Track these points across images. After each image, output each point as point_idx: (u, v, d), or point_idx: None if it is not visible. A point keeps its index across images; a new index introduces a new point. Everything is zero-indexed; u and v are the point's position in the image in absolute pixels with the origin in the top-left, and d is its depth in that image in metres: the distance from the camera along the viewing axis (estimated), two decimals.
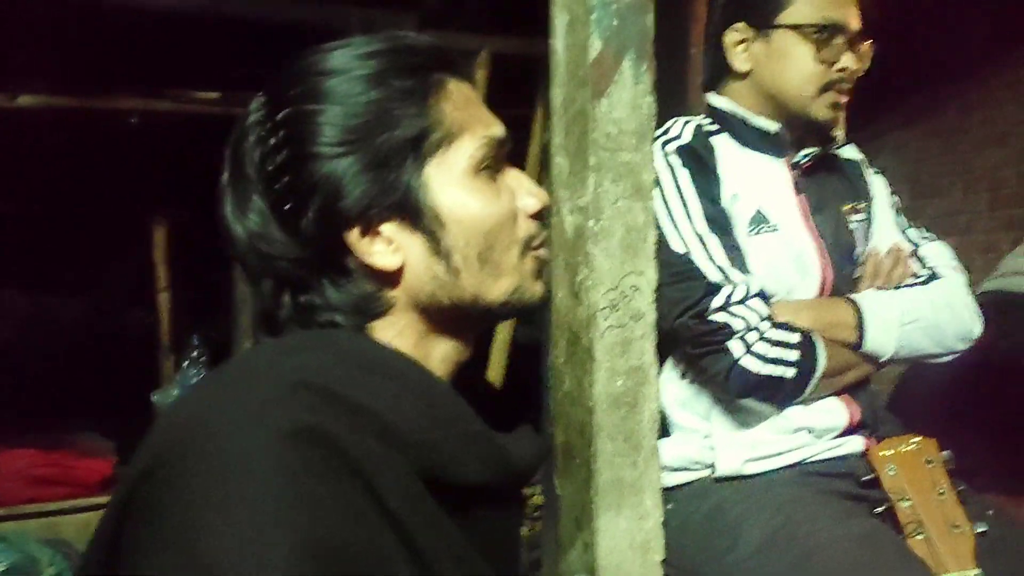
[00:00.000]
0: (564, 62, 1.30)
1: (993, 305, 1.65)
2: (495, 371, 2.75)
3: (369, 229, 0.75)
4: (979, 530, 1.12)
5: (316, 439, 0.62)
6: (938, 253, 1.39)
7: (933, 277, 1.34)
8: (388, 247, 0.76)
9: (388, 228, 0.75)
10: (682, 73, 2.14)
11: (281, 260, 0.75)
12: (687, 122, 1.37)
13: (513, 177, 0.82)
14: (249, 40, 2.63)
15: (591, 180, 1.24)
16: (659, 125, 1.33)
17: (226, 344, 3.38)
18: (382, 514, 0.64)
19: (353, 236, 0.75)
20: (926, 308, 1.29)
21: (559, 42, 1.31)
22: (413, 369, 0.75)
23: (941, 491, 1.16)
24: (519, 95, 2.78)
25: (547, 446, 0.87)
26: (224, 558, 0.57)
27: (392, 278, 0.77)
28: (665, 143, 1.33)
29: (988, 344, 1.59)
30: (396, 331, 0.78)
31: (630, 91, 1.26)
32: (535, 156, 2.76)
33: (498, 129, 0.80)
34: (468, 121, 0.78)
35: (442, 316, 0.79)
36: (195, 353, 3.26)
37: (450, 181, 0.76)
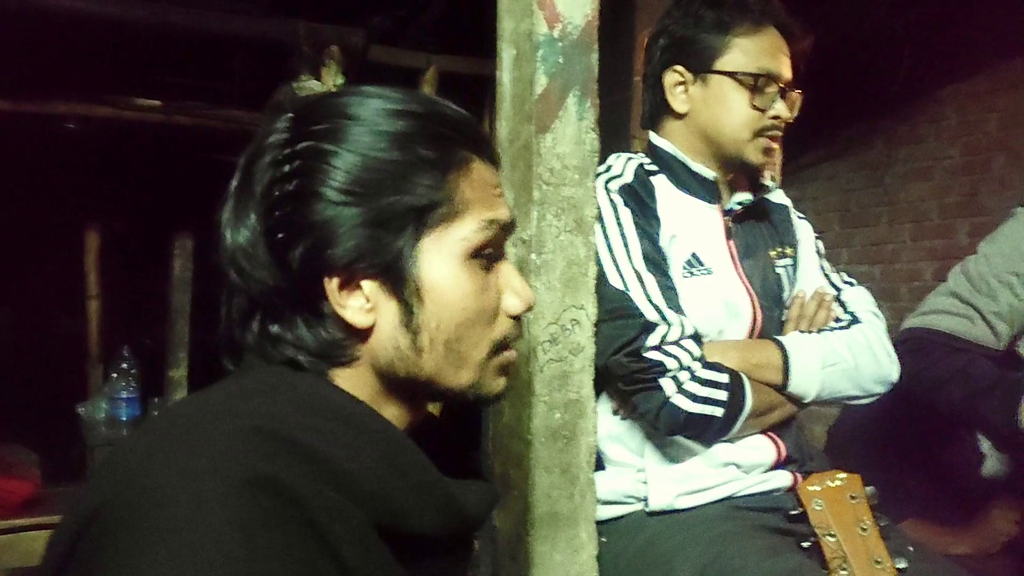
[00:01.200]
0: (510, 96, 1.31)
1: (917, 342, 1.70)
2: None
3: (350, 282, 0.74)
4: (900, 566, 1.15)
5: (271, 489, 0.61)
6: (859, 298, 1.43)
7: (854, 322, 1.38)
8: (364, 304, 0.75)
9: (369, 286, 0.74)
10: (625, 104, 2.16)
11: (260, 284, 0.74)
12: (629, 159, 1.39)
13: (505, 272, 0.81)
14: (194, 50, 2.58)
15: (535, 214, 1.24)
16: (601, 157, 1.34)
17: (158, 355, 3.29)
18: (336, 565, 0.64)
19: (332, 284, 0.74)
20: (846, 352, 1.32)
21: (505, 75, 1.31)
22: (372, 418, 0.73)
23: (864, 526, 1.18)
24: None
25: (496, 495, 0.86)
26: None
27: (360, 335, 0.76)
28: (608, 180, 1.34)
29: (912, 379, 1.65)
30: (353, 384, 0.76)
31: (574, 127, 1.27)
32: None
33: (504, 213, 0.79)
34: (477, 203, 0.77)
35: (396, 384, 0.78)
36: (125, 364, 3.16)
37: (442, 259, 0.75)
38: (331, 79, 2.55)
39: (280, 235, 0.73)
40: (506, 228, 0.80)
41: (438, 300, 0.75)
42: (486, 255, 0.78)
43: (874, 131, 3.89)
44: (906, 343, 1.70)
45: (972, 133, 3.59)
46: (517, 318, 0.81)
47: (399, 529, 0.70)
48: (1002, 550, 1.79)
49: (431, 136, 0.75)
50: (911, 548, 1.20)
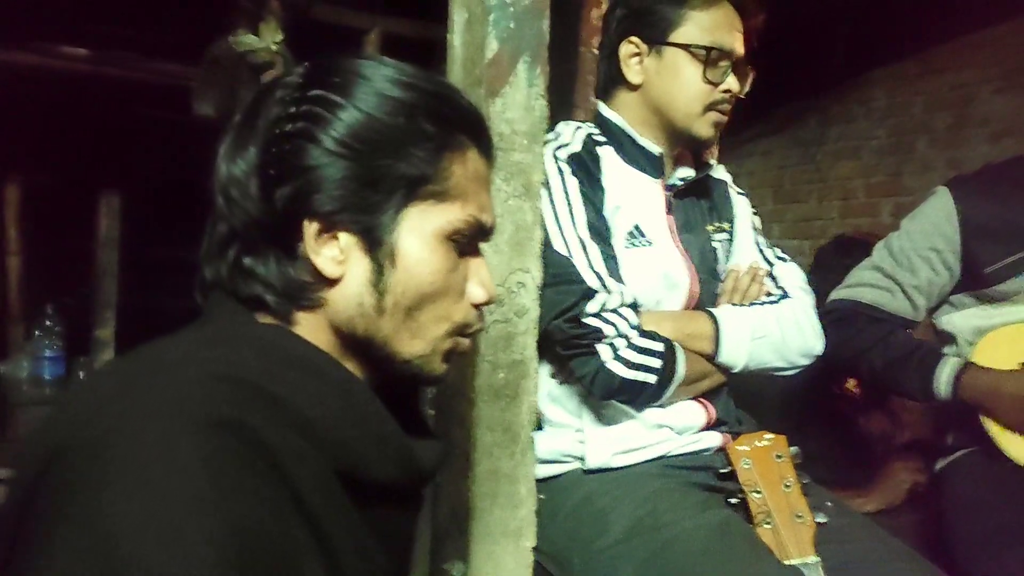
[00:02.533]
0: (460, 59, 1.32)
1: (841, 312, 1.79)
2: None
3: (329, 230, 0.76)
4: (819, 520, 1.22)
5: (235, 431, 0.62)
6: (790, 274, 1.50)
7: (784, 296, 1.44)
8: (337, 255, 0.77)
9: (345, 239, 0.77)
10: (572, 72, 2.19)
11: (244, 214, 0.77)
12: (577, 128, 1.42)
13: (476, 264, 0.84)
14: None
15: None
16: (550, 124, 1.37)
17: (83, 314, 3.22)
18: (297, 506, 0.66)
19: (311, 228, 0.76)
20: (775, 326, 1.39)
21: (456, 38, 1.32)
22: (333, 367, 0.76)
23: (788, 484, 1.25)
24: None
25: (445, 451, 0.90)
26: (140, 544, 0.56)
27: (328, 283, 0.78)
28: (557, 148, 1.37)
29: (837, 348, 1.73)
30: (313, 334, 0.79)
31: (524, 93, 1.29)
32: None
33: (489, 218, 0.83)
34: (468, 194, 0.81)
35: (353, 342, 0.80)
36: (48, 323, 3.09)
37: (420, 233, 0.78)
38: (270, 35, 2.51)
39: (272, 171, 0.76)
40: (487, 231, 0.84)
41: (410, 268, 0.78)
42: (462, 242, 0.81)
43: (809, 109, 4.00)
44: (831, 313, 1.79)
45: (899, 115, 3.73)
46: (478, 308, 0.84)
47: (358, 476, 0.73)
48: (908, 500, 1.91)
49: (435, 112, 0.78)
50: (829, 504, 1.28)
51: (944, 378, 1.62)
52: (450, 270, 0.80)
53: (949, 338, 1.76)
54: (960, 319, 1.74)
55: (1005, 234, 1.65)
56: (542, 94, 1.31)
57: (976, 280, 1.69)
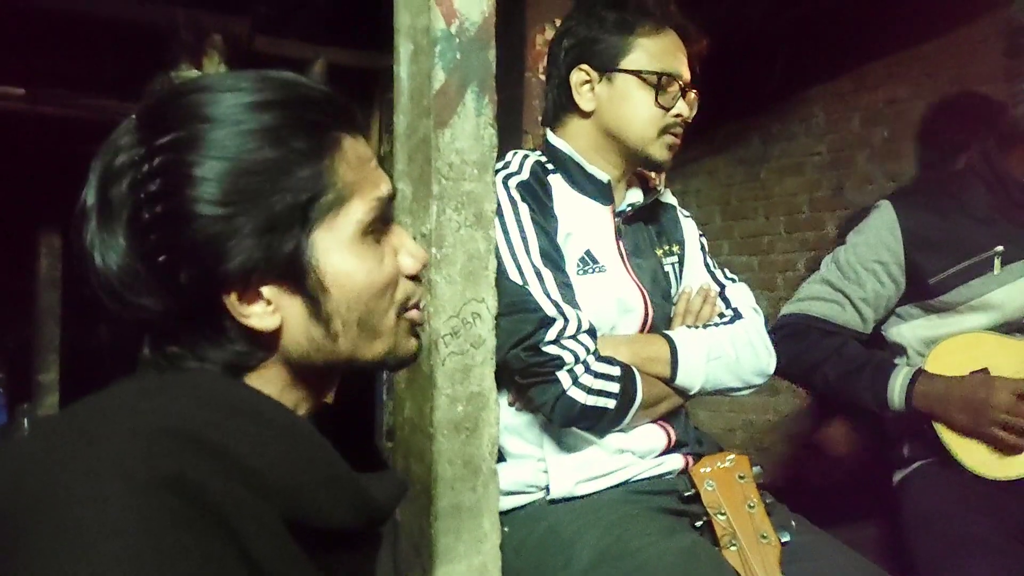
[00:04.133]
0: (408, 90, 1.31)
1: (793, 327, 1.80)
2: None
3: (248, 291, 0.72)
4: (784, 540, 1.22)
5: (176, 488, 0.59)
6: (741, 294, 1.51)
7: (736, 317, 1.45)
8: (267, 308, 0.73)
9: (268, 290, 0.73)
10: (518, 98, 2.19)
11: (147, 310, 0.71)
12: (526, 156, 1.42)
13: (396, 236, 0.81)
14: (64, 34, 2.45)
15: (434, 208, 1.25)
16: (498, 151, 1.36)
17: (25, 358, 3.12)
18: (244, 562, 0.63)
19: (231, 299, 0.71)
20: (729, 347, 1.39)
21: (403, 69, 1.31)
22: (279, 412, 0.73)
23: (751, 504, 1.25)
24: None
25: (405, 485, 0.87)
26: None
27: (268, 337, 0.74)
28: (507, 177, 1.37)
29: (790, 362, 1.75)
30: (262, 381, 0.76)
31: (472, 122, 1.28)
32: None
33: (386, 188, 0.79)
34: (360, 184, 0.76)
35: (312, 371, 0.78)
36: None
37: (337, 246, 0.74)
38: (213, 69, 2.47)
39: (162, 258, 0.69)
40: (391, 199, 0.80)
41: (343, 285, 0.75)
42: (377, 228, 0.78)
43: (751, 128, 4.06)
44: (784, 328, 1.80)
45: (838, 131, 3.80)
46: (415, 277, 0.82)
47: (310, 524, 0.70)
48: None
49: (300, 125, 0.72)
50: (793, 523, 1.28)
51: (897, 388, 1.64)
52: (379, 264, 0.77)
53: (899, 349, 1.78)
54: (908, 330, 1.77)
55: (947, 245, 1.68)
56: (491, 123, 1.30)
57: (921, 291, 1.72)
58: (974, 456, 1.59)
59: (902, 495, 1.70)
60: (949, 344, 1.67)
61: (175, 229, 0.69)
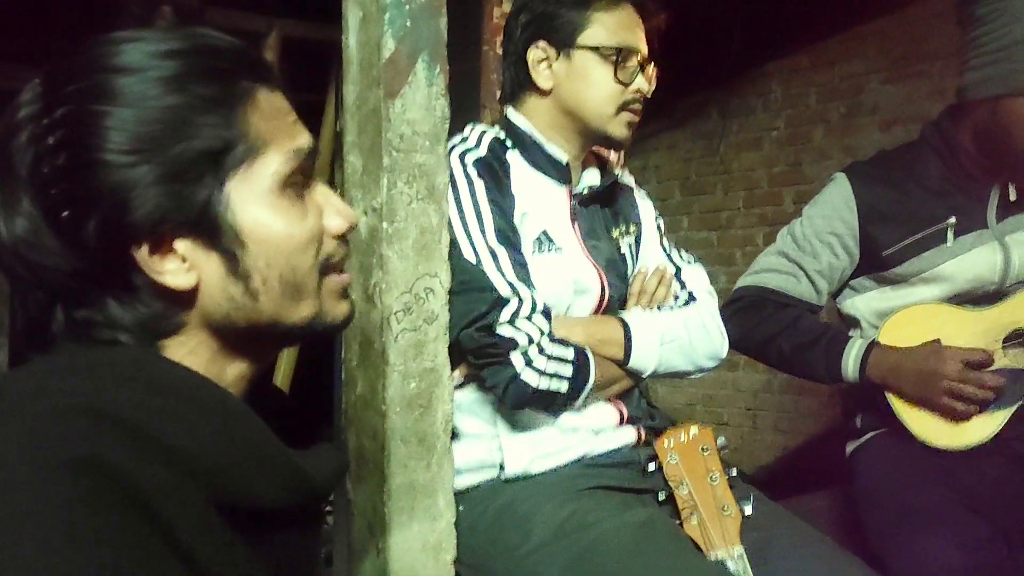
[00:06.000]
0: (357, 59, 1.26)
1: (749, 299, 1.79)
2: (283, 373, 2.65)
3: (160, 246, 0.68)
4: (746, 512, 1.21)
5: (92, 469, 0.56)
6: (696, 277, 1.50)
7: (691, 300, 1.44)
8: (181, 265, 0.69)
9: (182, 245, 0.69)
10: (475, 71, 2.15)
11: (55, 271, 0.67)
12: (484, 132, 1.39)
13: (320, 194, 0.77)
14: (7, 7, 2.36)
15: (385, 181, 1.21)
16: (452, 125, 1.33)
17: None
18: (170, 547, 0.59)
19: (141, 253, 0.68)
20: (683, 330, 1.38)
21: (351, 38, 1.27)
22: (206, 389, 0.69)
23: (714, 476, 1.24)
24: (311, 81, 2.69)
25: (345, 460, 0.83)
26: None
27: (184, 297, 0.70)
28: (464, 152, 1.33)
29: (745, 334, 1.74)
30: (187, 350, 0.72)
31: (424, 93, 1.24)
32: (328, 145, 2.67)
33: (305, 140, 0.75)
34: (275, 134, 0.72)
35: (237, 337, 0.74)
36: None
37: (253, 198, 0.71)
38: None
39: (65, 214, 0.66)
40: (311, 154, 0.76)
41: (261, 239, 0.71)
42: (297, 183, 0.74)
43: (710, 103, 4.05)
44: (739, 300, 1.79)
45: (795, 106, 3.81)
46: (343, 238, 0.79)
47: (241, 504, 0.67)
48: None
49: (206, 72, 0.69)
50: (752, 496, 1.27)
51: (851, 359, 1.64)
52: (300, 218, 0.74)
53: (852, 321, 1.78)
54: (862, 302, 1.76)
55: (900, 218, 1.68)
56: (443, 94, 1.26)
57: (875, 263, 1.71)
58: (925, 426, 1.59)
59: (854, 466, 1.71)
60: (902, 316, 1.67)
61: (78, 180, 0.66)
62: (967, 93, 1.60)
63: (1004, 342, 1.61)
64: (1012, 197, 1.65)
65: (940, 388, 1.54)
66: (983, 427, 1.57)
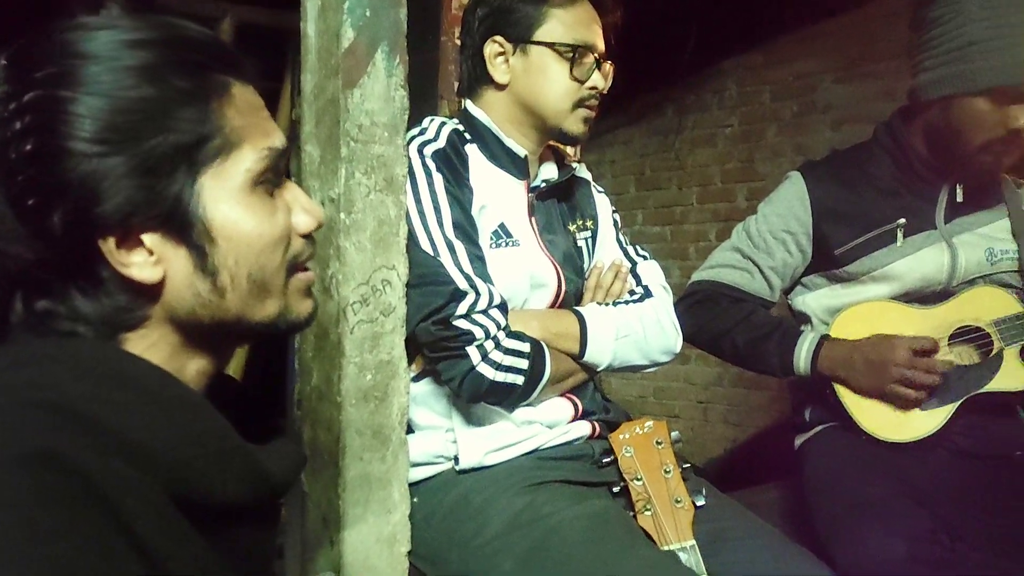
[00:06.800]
0: (315, 48, 1.25)
1: (704, 293, 1.81)
2: (235, 363, 2.61)
3: (128, 238, 0.67)
4: (699, 503, 1.23)
5: (51, 464, 0.55)
6: (651, 272, 1.51)
7: (646, 295, 1.45)
8: (148, 258, 0.68)
9: (150, 239, 0.68)
10: (433, 63, 2.14)
11: (18, 259, 0.66)
12: (443, 124, 1.38)
13: (290, 192, 0.77)
14: None
15: (343, 171, 1.20)
16: (411, 117, 1.32)
17: None
18: (127, 541, 0.58)
19: (108, 244, 0.66)
20: (638, 324, 1.39)
21: (310, 27, 1.25)
22: (167, 383, 0.68)
23: (667, 469, 1.26)
24: (265, 69, 2.65)
25: (303, 455, 0.83)
26: None
27: (150, 291, 0.69)
28: (423, 144, 1.32)
29: (700, 327, 1.76)
30: (148, 344, 0.71)
31: (383, 83, 1.23)
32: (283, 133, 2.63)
33: (279, 140, 0.75)
34: (250, 130, 0.72)
35: (201, 332, 0.73)
36: None
37: (225, 195, 0.70)
38: None
39: (31, 201, 0.64)
40: (284, 153, 0.76)
41: (231, 236, 0.70)
42: (268, 180, 0.74)
43: (666, 99, 4.09)
44: (694, 295, 1.81)
45: (749, 104, 3.86)
46: (309, 236, 0.78)
47: (200, 499, 0.66)
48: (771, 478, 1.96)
49: (181, 64, 0.68)
50: (703, 491, 1.29)
51: (803, 353, 1.67)
52: (270, 216, 0.73)
53: (804, 318, 1.81)
54: (813, 299, 1.80)
55: (852, 217, 1.71)
56: (402, 84, 1.25)
57: (827, 261, 1.74)
58: (873, 419, 1.63)
59: (803, 459, 1.74)
60: (852, 312, 1.71)
61: (46, 168, 0.64)
62: (920, 93, 1.64)
63: (950, 339, 1.65)
64: (960, 198, 1.69)
65: (890, 376, 1.58)
66: (928, 421, 1.61)
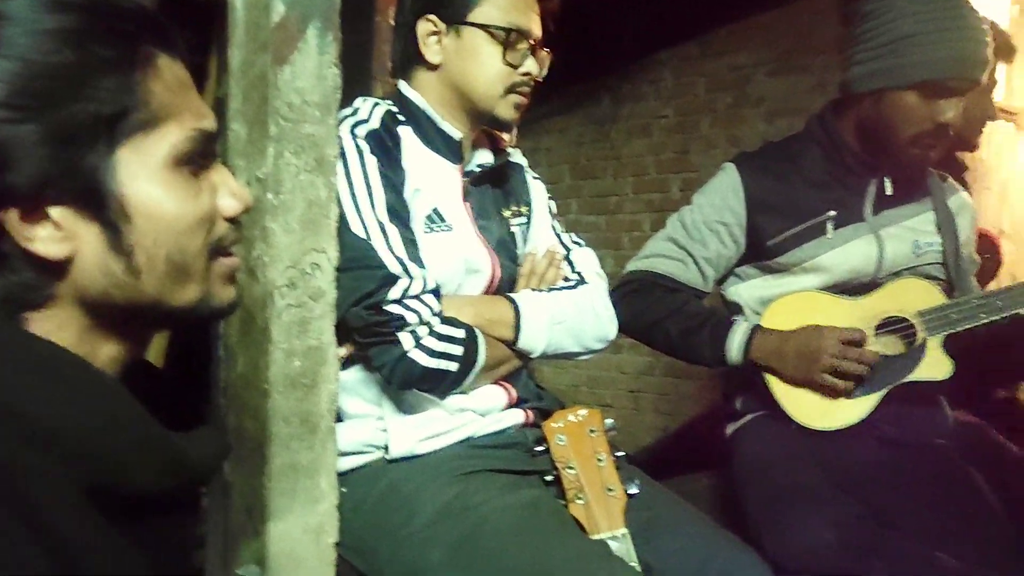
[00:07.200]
0: (243, 22, 1.20)
1: (638, 283, 1.82)
2: (156, 348, 2.53)
3: (35, 211, 0.63)
4: (632, 492, 1.24)
5: None
6: (586, 259, 1.51)
7: (581, 282, 1.45)
8: (55, 233, 0.64)
9: (58, 212, 0.64)
10: (367, 42, 2.10)
11: None
12: (376, 105, 1.36)
13: (217, 174, 0.74)
14: None
15: (271, 151, 1.16)
16: (343, 97, 1.29)
17: None
18: (42, 534, 0.56)
19: (11, 216, 0.63)
20: (573, 311, 1.39)
21: None
22: (79, 367, 0.64)
23: (600, 458, 1.26)
24: (188, 42, 2.56)
25: (227, 443, 0.80)
26: None
27: (57, 268, 0.65)
28: (355, 124, 1.30)
29: (634, 318, 1.77)
30: (54, 325, 0.67)
31: (314, 61, 1.20)
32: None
33: (210, 122, 0.72)
34: (178, 108, 0.68)
35: (113, 315, 0.69)
36: None
37: (145, 172, 0.66)
38: None
39: None
40: (213, 137, 0.73)
41: (149, 215, 0.67)
42: (194, 161, 0.70)
43: (602, 88, 4.11)
44: (629, 284, 1.82)
45: (684, 95, 3.90)
46: (235, 221, 0.76)
47: (116, 489, 0.63)
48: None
49: (105, 31, 0.65)
50: (638, 477, 1.29)
51: (735, 343, 1.69)
52: (193, 197, 0.70)
53: (736, 308, 1.84)
54: (745, 289, 1.82)
55: (784, 209, 1.74)
56: (335, 62, 1.22)
57: (760, 252, 1.77)
58: (801, 408, 1.66)
59: (733, 447, 1.77)
60: (782, 303, 1.73)
61: None
62: (852, 86, 1.67)
63: (876, 330, 1.69)
64: (888, 191, 1.73)
65: (820, 365, 1.61)
66: (855, 410, 1.65)
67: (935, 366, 1.66)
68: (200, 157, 0.71)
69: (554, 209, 1.57)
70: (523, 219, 1.50)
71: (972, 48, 1.57)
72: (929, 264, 1.75)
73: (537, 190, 1.55)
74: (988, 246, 2.28)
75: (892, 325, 1.69)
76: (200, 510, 0.81)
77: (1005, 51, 2.28)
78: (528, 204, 1.52)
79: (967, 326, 1.64)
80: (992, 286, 2.19)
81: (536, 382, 1.48)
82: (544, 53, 1.38)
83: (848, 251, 1.71)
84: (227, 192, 0.74)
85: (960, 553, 1.42)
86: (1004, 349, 1.78)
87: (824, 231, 1.71)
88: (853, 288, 1.73)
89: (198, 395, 0.89)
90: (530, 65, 1.34)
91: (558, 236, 1.52)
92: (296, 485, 1.17)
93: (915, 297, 1.70)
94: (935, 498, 1.54)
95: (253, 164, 1.19)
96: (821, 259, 1.71)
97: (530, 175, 1.56)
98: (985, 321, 1.64)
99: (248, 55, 1.20)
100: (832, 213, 1.71)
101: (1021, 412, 2.05)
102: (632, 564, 1.15)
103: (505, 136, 1.56)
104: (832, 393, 1.64)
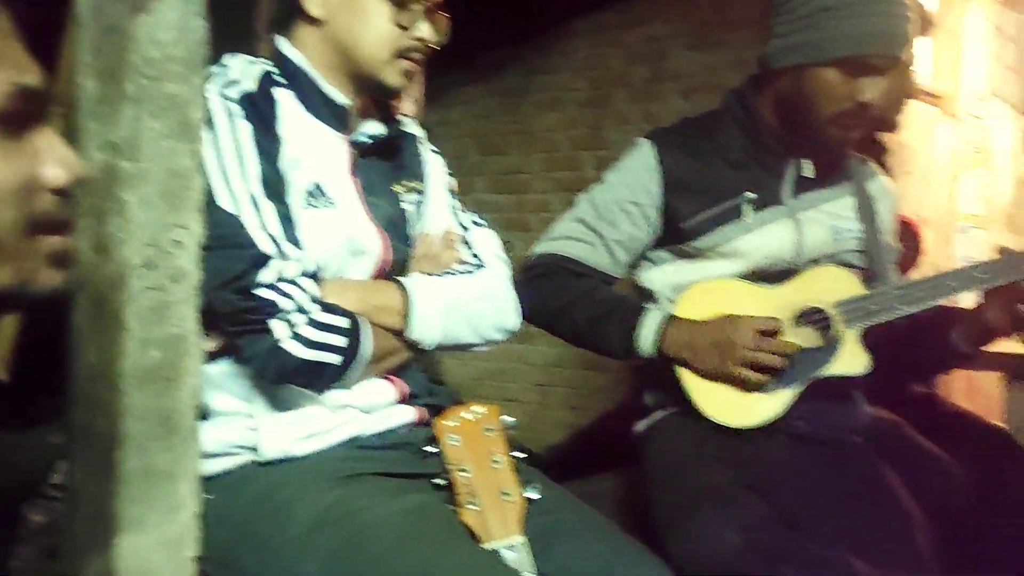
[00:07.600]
0: None
1: (544, 267, 1.81)
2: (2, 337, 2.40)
3: None
4: (533, 496, 1.22)
5: None
6: (486, 241, 1.49)
7: (480, 266, 1.43)
8: None
9: None
10: None
11: None
12: (251, 63, 1.31)
13: (44, 139, 0.69)
14: None
15: (127, 112, 1.10)
16: (217, 56, 1.23)
17: None
18: None
19: None
20: (470, 298, 1.37)
21: None
22: None
23: (497, 459, 1.24)
24: None
25: (56, 448, 0.76)
26: None
27: None
28: (225, 85, 1.25)
29: (539, 304, 1.76)
30: None
31: (179, 11, 1.14)
32: (66, 71, 2.42)
33: (33, 78, 0.67)
34: None
35: None
36: None
37: None
38: None
39: None
40: (40, 96, 0.69)
41: None
42: (11, 120, 0.66)
43: (512, 58, 4.09)
44: (534, 268, 1.81)
45: (599, 67, 3.92)
46: (64, 193, 0.71)
47: None
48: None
49: None
50: (538, 481, 1.28)
51: (646, 333, 1.69)
52: (6, 162, 0.67)
53: (649, 295, 1.85)
54: (658, 275, 1.83)
55: (700, 189, 1.75)
56: (200, 14, 1.16)
57: (674, 235, 1.78)
58: (714, 404, 1.68)
59: (643, 446, 1.78)
60: (696, 290, 1.75)
61: None
62: (771, 61, 1.69)
63: (795, 320, 1.72)
64: (808, 173, 1.76)
65: (735, 357, 1.63)
66: (770, 405, 1.68)
67: (852, 361, 1.69)
68: (19, 117, 0.67)
69: (453, 185, 1.54)
70: (417, 196, 1.46)
71: (895, 24, 1.61)
72: (848, 251, 1.79)
73: (434, 164, 1.52)
74: (909, 233, 2.36)
75: (810, 316, 1.72)
76: (26, 523, 0.76)
77: (925, 26, 2.36)
78: (423, 179, 1.49)
79: (885, 318, 1.68)
80: (914, 275, 2.27)
81: (431, 376, 1.46)
82: (442, 17, 1.35)
83: (765, 235, 1.73)
84: (53, 159, 0.70)
85: (873, 555, 1.46)
86: (922, 342, 1.83)
87: (741, 214, 1.73)
88: (771, 275, 1.76)
89: (40, 390, 0.83)
90: (423, 29, 1.31)
91: (456, 215, 1.50)
92: (151, 492, 1.12)
93: (833, 287, 1.73)
94: (848, 498, 1.58)
95: (106, 127, 1.12)
96: (737, 243, 1.73)
97: (426, 148, 1.53)
98: (904, 313, 1.68)
99: (99, 1, 1.13)
100: (750, 195, 1.73)
101: (938, 408, 2.13)
102: (527, 575, 1.14)
103: (399, 103, 1.53)
104: (747, 387, 1.66)
